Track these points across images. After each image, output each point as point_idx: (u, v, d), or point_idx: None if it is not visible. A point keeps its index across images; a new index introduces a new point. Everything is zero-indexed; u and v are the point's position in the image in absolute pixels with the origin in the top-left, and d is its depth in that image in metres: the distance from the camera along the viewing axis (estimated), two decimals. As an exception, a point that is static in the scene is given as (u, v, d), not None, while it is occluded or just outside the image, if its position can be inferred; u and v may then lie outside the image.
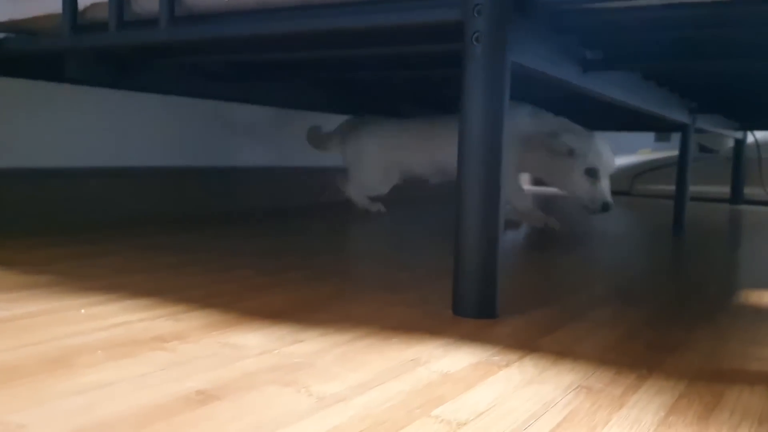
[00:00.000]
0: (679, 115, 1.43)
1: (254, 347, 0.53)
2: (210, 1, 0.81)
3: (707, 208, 2.21)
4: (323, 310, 0.65)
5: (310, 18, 0.76)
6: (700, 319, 0.68)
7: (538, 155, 1.31)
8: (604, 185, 1.28)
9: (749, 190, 2.46)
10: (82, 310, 0.62)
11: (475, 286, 0.65)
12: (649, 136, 3.18)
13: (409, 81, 1.40)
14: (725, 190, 2.46)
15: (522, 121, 1.32)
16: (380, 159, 1.50)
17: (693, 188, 2.49)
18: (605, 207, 1.27)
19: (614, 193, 2.57)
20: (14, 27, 0.97)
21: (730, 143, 2.50)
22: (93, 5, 0.90)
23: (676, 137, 3.08)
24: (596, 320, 0.66)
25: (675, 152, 2.57)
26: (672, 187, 2.47)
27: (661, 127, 2.09)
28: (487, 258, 0.65)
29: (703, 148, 2.63)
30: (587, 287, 0.82)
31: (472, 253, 0.65)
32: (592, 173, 1.27)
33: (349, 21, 0.74)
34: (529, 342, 0.58)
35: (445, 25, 0.69)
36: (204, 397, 0.42)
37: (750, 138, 2.44)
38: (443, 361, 0.51)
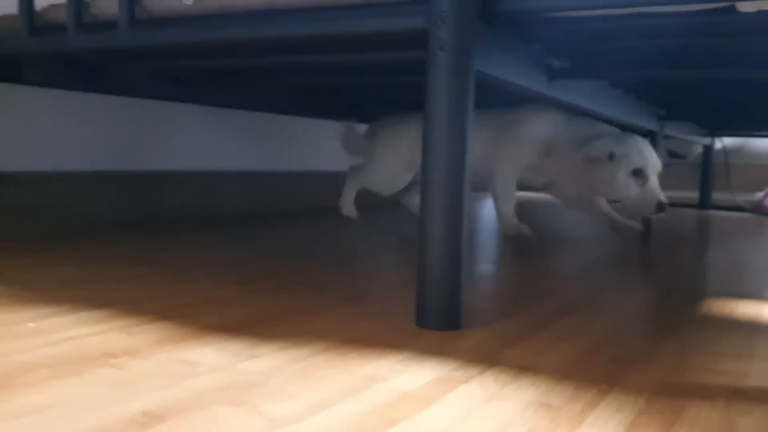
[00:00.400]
0: (648, 122, 1.44)
1: (208, 364, 0.51)
2: (171, 4, 0.80)
3: (676, 213, 2.23)
4: (283, 323, 0.64)
5: (273, 24, 0.74)
6: (664, 330, 0.67)
7: (573, 164, 1.27)
8: (654, 184, 1.23)
9: (717, 196, 2.48)
10: (30, 324, 0.60)
11: (439, 298, 0.64)
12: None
13: (379, 86, 1.39)
14: (694, 195, 2.49)
15: (550, 128, 1.29)
16: (403, 156, 1.45)
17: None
18: (660, 207, 1.22)
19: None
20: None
21: (699, 149, 2.53)
22: (51, 6, 0.88)
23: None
24: (560, 331, 0.65)
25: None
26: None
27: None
28: (451, 269, 0.64)
29: (672, 154, 2.65)
30: (553, 297, 0.81)
31: (435, 264, 0.64)
32: (638, 174, 1.22)
33: (312, 28, 0.72)
34: (492, 355, 0.57)
35: (410, 32, 0.68)
36: (148, 419, 0.40)
37: (718, 144, 2.47)
38: (402, 378, 0.50)
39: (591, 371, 0.53)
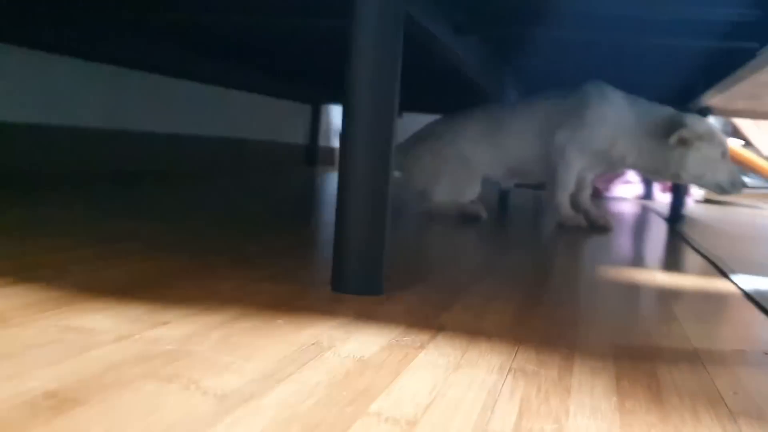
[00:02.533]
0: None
1: (107, 331, 0.41)
2: None
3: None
4: (175, 287, 0.54)
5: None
6: (570, 296, 0.65)
7: (646, 148, 1.21)
8: (732, 165, 1.23)
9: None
10: None
11: (360, 260, 0.57)
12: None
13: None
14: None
15: (617, 109, 1.21)
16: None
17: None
18: (744, 185, 1.23)
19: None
20: None
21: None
22: None
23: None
24: (483, 294, 0.61)
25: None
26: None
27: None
28: (375, 229, 0.57)
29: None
30: (457, 263, 0.77)
31: (358, 225, 0.57)
32: (724, 155, 1.21)
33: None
34: (430, 320, 0.51)
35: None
36: (57, 402, 0.30)
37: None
38: (350, 345, 0.43)
39: (537, 332, 0.49)
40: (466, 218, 1.25)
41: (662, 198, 2.48)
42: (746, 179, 2.63)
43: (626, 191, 2.47)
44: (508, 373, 0.40)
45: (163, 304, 0.48)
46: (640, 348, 0.48)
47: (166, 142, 1.77)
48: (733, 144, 2.50)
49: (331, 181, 2.00)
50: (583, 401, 0.37)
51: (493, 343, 0.46)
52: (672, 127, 1.19)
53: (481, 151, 1.27)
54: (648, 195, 2.48)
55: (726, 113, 2.19)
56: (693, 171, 1.21)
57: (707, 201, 2.57)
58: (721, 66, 1.05)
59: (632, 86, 1.44)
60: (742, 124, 2.60)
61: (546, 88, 1.30)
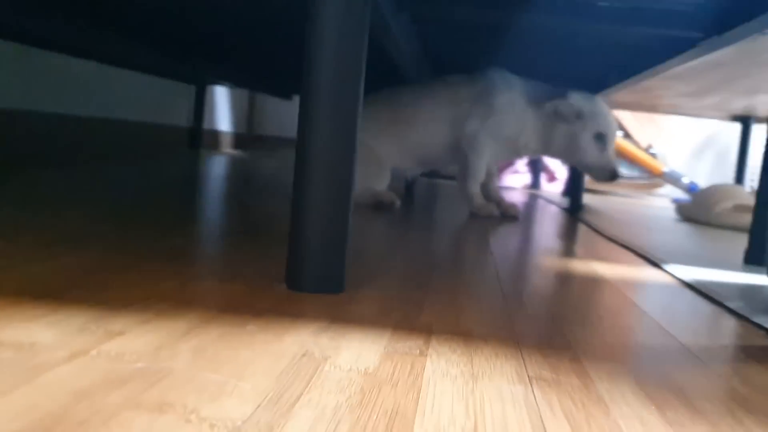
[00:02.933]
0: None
1: (54, 347, 0.33)
2: None
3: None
4: (111, 287, 0.46)
5: None
6: (528, 290, 0.63)
7: (535, 124, 1.18)
8: (611, 152, 1.18)
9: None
10: None
11: (322, 257, 0.51)
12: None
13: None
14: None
15: (522, 93, 1.18)
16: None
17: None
18: (614, 175, 1.17)
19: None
20: None
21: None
22: None
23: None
24: (446, 290, 0.57)
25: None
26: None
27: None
28: (338, 223, 0.51)
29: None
30: (396, 254, 0.72)
31: (318, 218, 0.51)
32: (600, 139, 1.16)
33: None
34: (413, 321, 0.46)
35: None
36: (29, 450, 0.23)
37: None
38: (345, 355, 0.37)
39: (524, 331, 0.46)
40: (380, 206, 1.20)
41: (549, 187, 2.55)
42: (623, 170, 2.76)
43: (515, 181, 2.52)
44: (530, 383, 0.36)
45: (107, 308, 0.41)
46: (635, 346, 0.46)
47: (37, 121, 1.60)
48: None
49: (219, 165, 1.89)
50: (625, 413, 0.33)
51: (492, 346, 0.42)
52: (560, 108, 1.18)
53: (388, 142, 1.23)
54: (535, 184, 2.54)
55: (611, 105, 2.28)
56: (563, 150, 1.20)
57: (586, 191, 2.68)
58: (643, 58, 1.06)
59: (551, 73, 1.44)
60: (623, 116, 2.72)
61: (453, 73, 1.27)
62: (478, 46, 1.23)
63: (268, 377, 0.32)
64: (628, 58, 1.17)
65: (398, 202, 1.22)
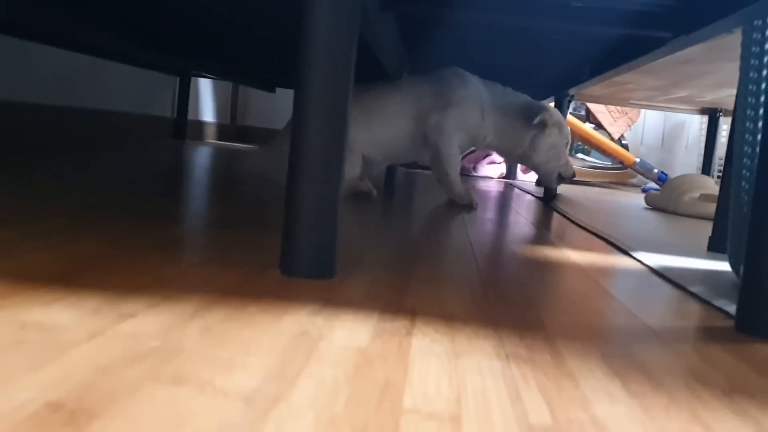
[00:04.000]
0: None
1: (73, 327, 0.36)
2: None
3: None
4: (116, 273, 0.49)
5: None
6: (506, 276, 0.66)
7: (507, 128, 1.30)
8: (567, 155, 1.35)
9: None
10: None
11: (313, 244, 0.54)
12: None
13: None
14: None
15: (478, 89, 1.27)
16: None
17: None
18: (573, 175, 1.38)
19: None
20: None
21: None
22: None
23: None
24: (430, 276, 0.60)
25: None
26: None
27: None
28: (328, 209, 0.55)
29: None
30: (381, 242, 0.76)
31: (310, 205, 0.54)
32: (567, 147, 1.33)
33: None
34: (398, 305, 0.49)
35: None
36: (68, 416, 0.26)
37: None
38: (339, 334, 0.41)
39: (502, 314, 0.49)
40: (357, 196, 1.24)
41: (524, 178, 2.60)
42: (593, 159, 2.81)
43: (492, 171, 2.56)
44: (507, 359, 0.40)
45: (117, 293, 0.43)
46: (604, 327, 0.50)
47: (21, 113, 1.61)
48: (587, 127, 2.67)
49: (205, 156, 1.91)
50: (593, 386, 0.37)
51: (473, 327, 0.46)
52: (533, 111, 1.29)
53: (358, 132, 1.26)
54: (511, 174, 2.59)
55: (584, 98, 2.33)
56: (542, 155, 1.32)
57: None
58: (613, 54, 1.10)
59: (528, 69, 1.48)
60: (596, 108, 2.77)
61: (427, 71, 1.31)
62: (457, 44, 1.27)
63: (271, 353, 0.36)
64: (601, 55, 1.21)
65: (374, 192, 1.25)
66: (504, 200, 1.60)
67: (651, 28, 0.84)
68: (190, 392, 0.30)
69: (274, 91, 2.88)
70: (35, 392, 0.28)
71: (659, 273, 0.77)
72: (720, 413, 0.35)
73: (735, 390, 0.39)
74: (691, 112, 2.24)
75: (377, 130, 1.27)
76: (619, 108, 2.78)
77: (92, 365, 0.31)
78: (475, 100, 1.28)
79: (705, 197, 1.66)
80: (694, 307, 0.62)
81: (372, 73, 1.29)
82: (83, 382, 0.29)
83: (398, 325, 0.44)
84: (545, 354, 0.42)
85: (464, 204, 1.29)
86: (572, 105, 3.08)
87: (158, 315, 0.40)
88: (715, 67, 1.34)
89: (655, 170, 2.67)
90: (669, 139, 3.32)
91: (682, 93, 1.83)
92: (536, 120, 1.27)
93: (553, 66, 1.49)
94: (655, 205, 1.80)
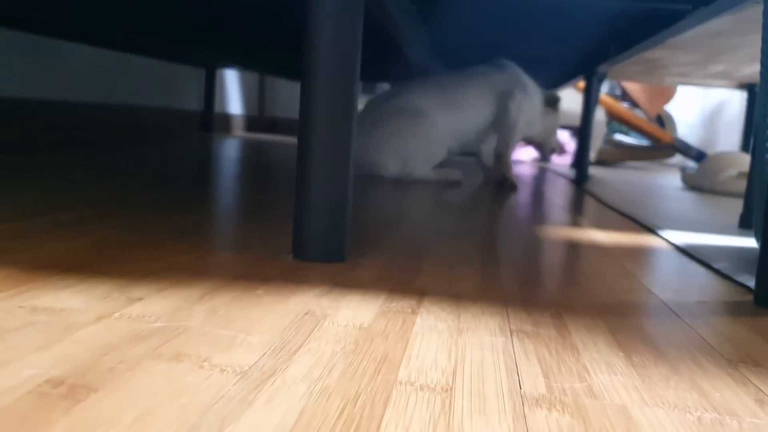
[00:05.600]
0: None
1: (81, 311, 0.37)
2: None
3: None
4: (130, 261, 0.50)
5: None
6: (523, 256, 0.66)
7: (540, 108, 1.42)
8: None
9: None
10: None
11: (324, 228, 0.55)
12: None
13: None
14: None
15: (530, 80, 1.40)
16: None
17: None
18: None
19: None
20: None
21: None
22: None
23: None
24: (445, 257, 0.60)
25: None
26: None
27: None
28: (338, 194, 0.55)
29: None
30: (402, 227, 0.76)
31: (320, 191, 0.55)
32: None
33: None
34: (407, 286, 0.50)
35: None
36: (67, 390, 0.27)
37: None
38: (343, 313, 0.41)
39: (513, 293, 0.49)
40: (447, 184, 1.34)
41: (558, 161, 2.57)
42: (631, 139, 2.76)
43: (525, 154, 2.54)
44: (511, 335, 0.40)
45: (127, 279, 0.45)
46: (616, 304, 0.49)
47: (56, 110, 1.65)
48: (623, 106, 2.62)
49: (232, 148, 1.93)
50: (594, 357, 0.37)
51: (480, 305, 0.46)
52: (553, 96, 1.43)
53: (446, 122, 1.34)
54: (544, 157, 2.56)
55: (617, 76, 2.29)
56: (549, 133, 1.49)
57: (597, 163, 2.69)
58: (637, 29, 1.08)
59: (548, 50, 1.47)
60: (631, 87, 2.72)
61: (458, 49, 1.34)
62: (482, 29, 1.26)
63: (273, 331, 0.36)
64: (625, 32, 1.19)
65: (463, 179, 1.42)
66: (536, 182, 1.58)
67: (671, 1, 0.83)
68: (188, 368, 0.30)
69: (300, 80, 2.89)
70: (38, 369, 0.29)
71: (684, 251, 0.76)
72: (721, 382, 0.34)
73: (742, 360, 0.38)
74: (729, 87, 2.19)
75: (462, 119, 1.36)
76: (654, 86, 2.73)
77: (96, 345, 0.32)
78: (533, 87, 1.40)
79: (742, 175, 1.62)
80: (715, 283, 0.61)
81: (396, 61, 1.29)
82: (85, 359, 0.30)
83: (404, 304, 0.45)
84: (551, 329, 0.42)
85: (510, 184, 1.32)
86: (606, 84, 3.03)
87: (166, 298, 0.41)
88: (746, 40, 1.31)
89: (694, 149, 2.61)
90: (709, 117, 3.25)
91: (718, 68, 1.78)
92: (557, 105, 1.42)
93: (578, 45, 1.48)
94: (691, 184, 1.77)
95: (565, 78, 2.03)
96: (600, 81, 1.73)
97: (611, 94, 3.00)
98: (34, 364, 0.29)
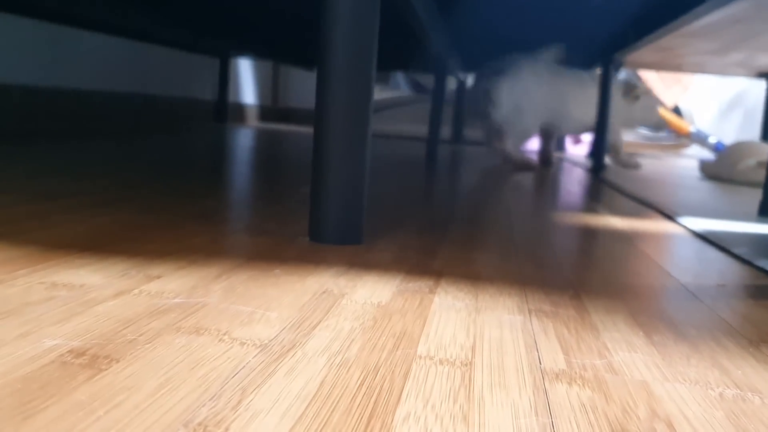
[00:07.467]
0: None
1: (101, 287, 0.37)
2: None
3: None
4: (146, 241, 0.50)
5: None
6: (542, 241, 0.66)
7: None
8: None
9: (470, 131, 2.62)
10: None
11: (341, 211, 0.55)
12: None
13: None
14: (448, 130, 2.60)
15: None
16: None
17: (414, 128, 2.59)
18: None
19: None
20: None
21: (452, 85, 2.65)
22: None
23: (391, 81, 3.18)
24: (461, 241, 0.60)
25: (394, 94, 2.65)
26: (392, 127, 2.55)
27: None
28: (355, 177, 0.55)
29: (421, 89, 2.75)
30: (417, 209, 0.76)
31: (337, 173, 0.54)
32: None
33: None
34: (424, 267, 0.50)
35: None
36: (89, 359, 0.27)
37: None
38: (361, 292, 0.41)
39: (531, 275, 0.49)
40: (523, 168, 1.50)
41: (574, 150, 2.55)
42: (649, 132, 2.74)
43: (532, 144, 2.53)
44: (530, 314, 0.40)
45: (145, 258, 0.45)
46: (635, 286, 0.49)
47: (70, 98, 1.66)
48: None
49: (247, 137, 1.94)
50: (614, 336, 0.37)
51: (498, 286, 0.46)
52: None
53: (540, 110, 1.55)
54: (561, 147, 2.55)
55: (634, 65, 2.27)
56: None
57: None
58: (656, 15, 1.07)
59: (565, 38, 1.46)
60: (648, 76, 2.70)
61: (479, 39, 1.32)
62: (499, 17, 1.25)
63: (291, 308, 0.36)
64: (643, 19, 1.18)
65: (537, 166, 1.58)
66: (553, 172, 1.57)
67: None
68: (208, 341, 0.31)
69: (314, 70, 2.90)
70: (60, 341, 0.29)
71: (703, 237, 0.75)
72: (742, 361, 0.34)
73: (764, 341, 0.38)
74: (747, 76, 2.16)
75: (576, 110, 1.60)
76: (672, 75, 2.70)
77: (116, 318, 0.33)
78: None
79: (762, 164, 1.61)
80: (735, 268, 0.60)
81: (414, 50, 1.28)
82: (106, 332, 0.31)
83: (422, 284, 0.44)
84: (570, 309, 0.41)
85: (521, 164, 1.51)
86: (623, 73, 3.01)
87: (184, 277, 0.41)
88: (766, 28, 1.29)
89: (712, 140, 2.59)
90: (728, 107, 3.21)
91: (738, 56, 1.76)
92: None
93: (595, 33, 1.46)
94: (709, 173, 1.75)
95: (581, 67, 2.02)
96: (617, 69, 1.72)
97: (629, 82, 2.97)
98: (56, 335, 0.30)
